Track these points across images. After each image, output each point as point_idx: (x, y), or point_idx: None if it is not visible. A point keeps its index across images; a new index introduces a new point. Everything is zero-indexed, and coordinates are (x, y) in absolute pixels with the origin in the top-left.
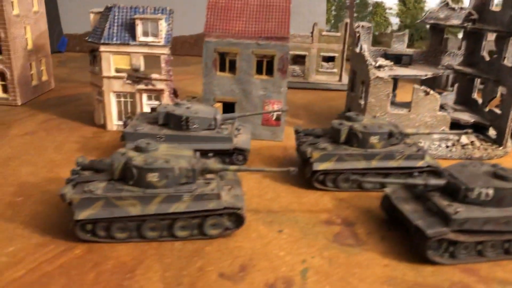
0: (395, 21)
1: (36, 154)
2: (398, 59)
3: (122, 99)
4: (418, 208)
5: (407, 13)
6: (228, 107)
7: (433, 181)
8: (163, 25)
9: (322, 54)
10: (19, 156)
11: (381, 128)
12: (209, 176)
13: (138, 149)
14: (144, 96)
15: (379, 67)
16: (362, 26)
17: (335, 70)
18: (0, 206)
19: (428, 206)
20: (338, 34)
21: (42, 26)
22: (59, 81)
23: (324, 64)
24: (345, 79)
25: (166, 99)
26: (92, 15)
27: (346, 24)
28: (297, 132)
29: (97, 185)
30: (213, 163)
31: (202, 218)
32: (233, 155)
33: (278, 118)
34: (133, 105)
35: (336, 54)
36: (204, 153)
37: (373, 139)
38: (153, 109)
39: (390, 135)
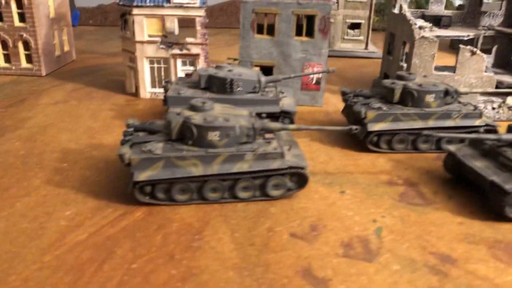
0: None
1: (73, 121)
2: (436, 21)
3: (156, 65)
4: (490, 165)
5: None
6: (266, 71)
7: (506, 136)
8: None
9: (347, 21)
10: (55, 123)
11: (436, 86)
12: (267, 135)
13: (193, 108)
14: (179, 61)
15: (420, 28)
16: None
17: (361, 37)
18: (47, 172)
19: (500, 161)
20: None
21: None
22: (79, 52)
23: (350, 31)
24: (371, 47)
25: (202, 63)
26: None
27: None
28: (344, 93)
29: (155, 145)
30: (272, 122)
31: (265, 178)
32: (279, 118)
33: (318, 82)
34: (166, 71)
35: (362, 21)
36: None
37: (429, 98)
38: (187, 75)
39: (446, 93)
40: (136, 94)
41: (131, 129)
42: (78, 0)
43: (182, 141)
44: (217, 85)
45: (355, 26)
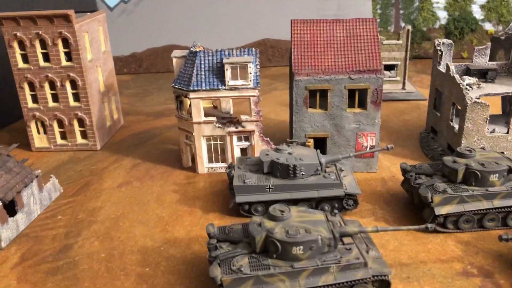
0: (443, 15)
1: (141, 210)
2: (482, 74)
3: (212, 142)
4: None
5: (455, 6)
6: (320, 142)
7: None
8: (251, 68)
9: (384, 63)
10: (125, 214)
11: (499, 165)
12: (346, 240)
13: (272, 217)
14: (234, 137)
15: (467, 85)
16: (443, 43)
17: (398, 78)
18: (133, 280)
19: None
20: (400, 42)
21: (109, 64)
22: (124, 113)
23: (387, 72)
24: (408, 86)
25: (257, 139)
26: (174, 60)
27: (408, 30)
28: (405, 171)
29: (241, 261)
30: (350, 227)
31: (348, 287)
32: (343, 200)
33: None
34: (222, 147)
35: (398, 62)
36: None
37: (493, 177)
38: (242, 150)
39: (510, 171)
40: (193, 168)
41: (214, 241)
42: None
43: (266, 254)
44: (280, 171)
45: (391, 67)
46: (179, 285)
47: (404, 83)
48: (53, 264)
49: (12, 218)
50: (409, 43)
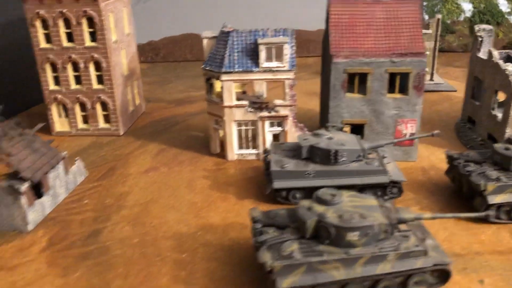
0: (467, 7)
1: (172, 196)
2: None
3: (243, 128)
4: None
5: None
6: (356, 129)
7: None
8: (287, 49)
9: None
10: (155, 199)
11: None
12: (402, 227)
13: (323, 202)
14: (267, 123)
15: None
16: (484, 29)
17: (426, 69)
18: (170, 266)
19: None
20: (430, 31)
21: (133, 48)
22: (145, 101)
23: None
24: (436, 77)
25: (290, 124)
26: (205, 41)
27: (438, 20)
28: (452, 158)
29: (290, 247)
30: (406, 212)
31: (406, 276)
32: (386, 188)
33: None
34: (253, 133)
35: (427, 52)
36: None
37: None
38: (274, 136)
39: None
40: (221, 155)
41: (260, 226)
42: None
43: (317, 240)
44: (320, 156)
45: None
46: (220, 271)
47: (432, 74)
48: (83, 249)
49: (38, 200)
50: (438, 33)
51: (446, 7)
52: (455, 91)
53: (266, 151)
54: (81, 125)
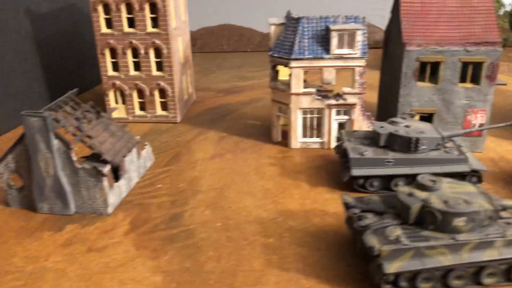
0: (508, 1)
1: (243, 181)
2: None
3: (308, 116)
4: None
5: None
6: (425, 118)
7: None
8: (360, 36)
9: None
10: (228, 184)
11: None
12: (504, 214)
13: (424, 187)
14: (333, 111)
15: None
16: None
17: None
18: (259, 251)
19: None
20: None
21: (187, 36)
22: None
23: None
24: None
25: (358, 113)
26: (272, 27)
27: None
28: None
29: (394, 232)
30: (507, 200)
31: (509, 265)
32: (465, 177)
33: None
34: (318, 121)
35: None
36: None
37: None
38: (340, 124)
39: None
40: (283, 143)
41: (358, 211)
42: None
43: (419, 225)
44: (399, 144)
45: None
46: (312, 257)
47: None
48: (167, 232)
49: (116, 183)
50: None
51: None
52: (505, 84)
53: (339, 139)
54: (138, 111)
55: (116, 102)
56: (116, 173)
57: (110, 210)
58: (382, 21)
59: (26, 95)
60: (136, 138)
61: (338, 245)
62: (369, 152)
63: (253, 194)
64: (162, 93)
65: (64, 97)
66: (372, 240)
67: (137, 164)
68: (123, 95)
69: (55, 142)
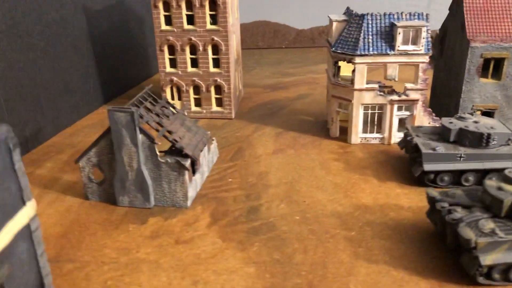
0: None
1: (311, 176)
2: None
3: (370, 111)
4: None
5: None
6: (486, 115)
7: None
8: (424, 32)
9: None
10: (296, 179)
11: None
12: None
13: (508, 180)
14: (395, 107)
15: None
16: None
17: None
18: (343, 243)
19: None
20: None
21: (239, 32)
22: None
23: None
24: None
25: (419, 109)
26: (335, 24)
27: None
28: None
29: (487, 225)
30: None
31: None
32: None
33: None
34: (379, 116)
35: None
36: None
37: None
38: (400, 120)
39: None
40: (342, 139)
41: (446, 205)
42: None
43: (510, 219)
44: (470, 139)
45: None
46: (397, 249)
47: None
48: (248, 224)
49: (193, 177)
50: None
51: None
52: None
53: (407, 135)
54: (193, 107)
55: (172, 98)
56: (192, 168)
57: (189, 203)
58: None
59: (83, 91)
60: (208, 133)
61: (420, 238)
62: (441, 147)
63: (323, 189)
64: (218, 89)
65: (143, 93)
66: (468, 233)
67: (207, 158)
68: (179, 91)
69: (140, 137)
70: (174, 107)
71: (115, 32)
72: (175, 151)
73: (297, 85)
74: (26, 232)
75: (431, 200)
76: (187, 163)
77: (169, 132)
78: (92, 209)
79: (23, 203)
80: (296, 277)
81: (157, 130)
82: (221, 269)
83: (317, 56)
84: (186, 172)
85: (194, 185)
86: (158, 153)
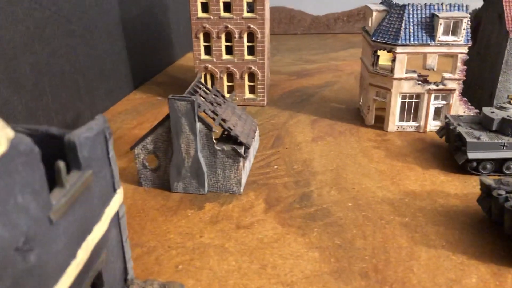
0: None
1: (355, 163)
2: None
3: (407, 100)
4: None
5: None
6: None
7: None
8: (465, 23)
9: None
10: (341, 166)
11: None
12: None
13: None
14: (432, 96)
15: None
16: None
17: None
18: (398, 228)
19: None
20: None
21: (268, 20)
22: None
23: None
24: None
25: (455, 98)
26: (375, 13)
27: None
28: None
29: None
30: None
31: None
32: None
33: None
34: (416, 105)
35: None
36: None
37: None
38: (436, 109)
39: None
40: (377, 127)
41: (503, 192)
42: None
43: None
44: None
45: None
46: (452, 235)
47: None
48: (304, 210)
49: (245, 164)
50: None
51: None
52: None
53: (448, 124)
54: (227, 95)
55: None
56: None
57: (241, 189)
58: None
59: (115, 77)
60: (255, 121)
61: (472, 224)
62: (484, 137)
63: (370, 176)
64: (251, 76)
65: (196, 82)
66: None
67: (253, 146)
68: (212, 78)
69: (198, 125)
70: (224, 96)
71: (142, 17)
72: (226, 138)
73: (322, 72)
74: (115, 219)
75: (487, 188)
76: (242, 150)
77: (223, 120)
78: (147, 195)
79: (114, 190)
80: (361, 261)
81: (213, 119)
82: (286, 253)
83: (335, 43)
84: (241, 160)
85: (245, 172)
86: (215, 141)
